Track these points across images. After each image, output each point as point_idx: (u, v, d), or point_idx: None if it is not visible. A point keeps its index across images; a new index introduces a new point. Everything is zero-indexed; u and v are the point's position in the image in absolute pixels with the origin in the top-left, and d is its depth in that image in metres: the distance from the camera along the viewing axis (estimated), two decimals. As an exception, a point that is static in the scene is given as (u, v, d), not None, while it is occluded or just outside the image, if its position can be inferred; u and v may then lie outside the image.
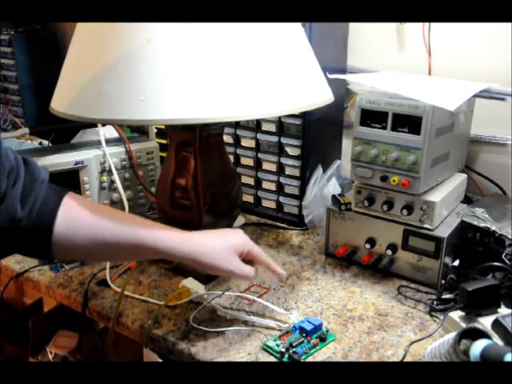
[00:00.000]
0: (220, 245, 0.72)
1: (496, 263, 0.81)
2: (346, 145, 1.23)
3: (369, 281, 0.92)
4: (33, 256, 0.78)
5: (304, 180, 1.10)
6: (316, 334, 0.76)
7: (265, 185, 1.17)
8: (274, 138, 1.11)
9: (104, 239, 0.66)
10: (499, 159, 1.09)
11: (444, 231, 0.88)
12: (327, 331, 0.77)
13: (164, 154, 1.08)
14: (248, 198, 1.19)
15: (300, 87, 0.79)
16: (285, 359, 0.71)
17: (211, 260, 0.70)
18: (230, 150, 1.16)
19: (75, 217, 0.66)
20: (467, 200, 1.05)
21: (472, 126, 1.06)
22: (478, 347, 0.58)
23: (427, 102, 0.82)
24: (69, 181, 1.02)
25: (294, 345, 0.73)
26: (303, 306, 0.84)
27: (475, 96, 0.93)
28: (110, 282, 0.89)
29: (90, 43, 0.75)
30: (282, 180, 1.14)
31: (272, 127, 1.11)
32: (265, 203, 1.18)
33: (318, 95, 0.83)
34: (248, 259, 0.74)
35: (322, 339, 0.75)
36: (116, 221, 0.68)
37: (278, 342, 0.74)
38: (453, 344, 0.61)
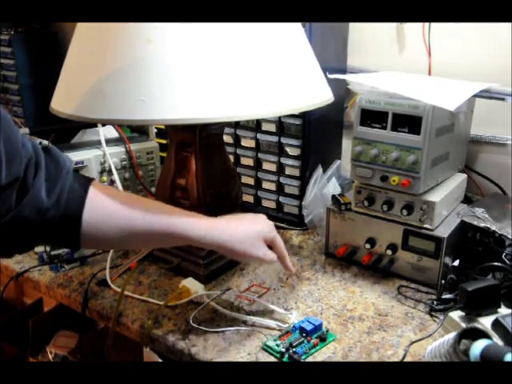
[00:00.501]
0: (248, 232, 0.73)
1: (496, 263, 0.81)
2: (346, 145, 1.23)
3: (369, 281, 0.92)
4: (62, 246, 0.77)
5: (304, 180, 1.10)
6: (316, 334, 0.76)
7: (265, 185, 1.17)
8: (274, 138, 1.11)
9: (133, 228, 0.66)
10: (499, 159, 1.09)
11: (444, 231, 0.88)
12: (327, 331, 0.77)
13: (164, 154, 1.08)
14: (248, 198, 1.19)
15: (300, 87, 0.79)
16: (285, 359, 0.71)
17: (240, 247, 0.71)
18: (230, 150, 1.16)
19: (103, 206, 0.65)
20: (467, 200, 1.05)
21: (472, 126, 1.06)
22: (478, 347, 0.58)
23: (427, 101, 0.82)
24: (69, 181, 1.02)
25: (293, 345, 0.73)
26: (303, 306, 0.84)
27: (475, 96, 0.93)
28: (109, 282, 0.89)
29: (89, 43, 0.75)
30: (282, 180, 1.14)
31: (272, 127, 1.11)
32: (265, 203, 1.18)
33: (318, 95, 0.83)
34: (268, 245, 0.76)
35: (322, 339, 0.75)
36: (144, 209, 0.67)
37: (278, 342, 0.74)
38: (453, 344, 0.61)
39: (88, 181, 0.67)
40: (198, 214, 0.72)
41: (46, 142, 1.34)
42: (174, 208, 0.72)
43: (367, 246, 0.93)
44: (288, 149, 1.11)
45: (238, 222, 0.74)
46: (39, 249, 0.99)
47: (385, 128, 0.87)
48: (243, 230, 0.73)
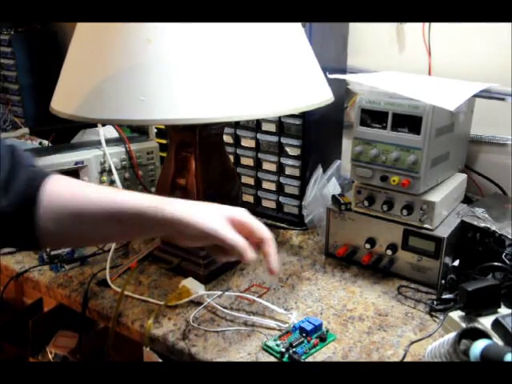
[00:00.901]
0: (215, 209, 0.65)
1: (496, 263, 0.81)
2: (346, 145, 1.23)
3: (369, 281, 0.92)
4: (22, 247, 0.71)
5: (304, 180, 1.10)
6: (316, 334, 0.76)
7: (265, 185, 1.17)
8: (274, 138, 1.11)
9: (90, 212, 0.62)
10: (499, 159, 1.09)
11: (444, 231, 0.88)
12: (327, 331, 0.77)
13: (164, 154, 1.08)
14: (248, 198, 1.19)
15: (300, 87, 0.79)
16: (285, 359, 0.71)
17: (208, 223, 0.62)
18: (230, 150, 1.16)
19: (60, 195, 0.61)
20: (467, 200, 1.05)
21: (472, 126, 1.06)
22: (478, 347, 0.58)
23: (427, 101, 0.82)
24: (69, 181, 1.02)
25: (294, 345, 0.73)
26: (303, 306, 0.84)
27: (475, 96, 0.93)
28: (109, 282, 0.89)
29: (90, 43, 0.75)
30: (282, 180, 1.14)
31: (272, 127, 1.11)
32: (265, 203, 1.18)
33: (318, 95, 0.83)
34: (253, 241, 0.66)
35: (322, 339, 0.75)
36: (106, 193, 0.63)
37: (278, 342, 0.74)
38: (453, 344, 0.61)
39: (47, 174, 0.63)
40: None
41: (45, 142, 1.35)
42: (136, 192, 0.67)
43: (367, 245, 0.93)
44: (288, 149, 1.11)
45: (203, 203, 0.67)
46: (39, 249, 1.00)
47: (385, 128, 0.87)
48: (211, 208, 0.65)
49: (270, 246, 0.66)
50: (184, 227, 0.62)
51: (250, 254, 0.64)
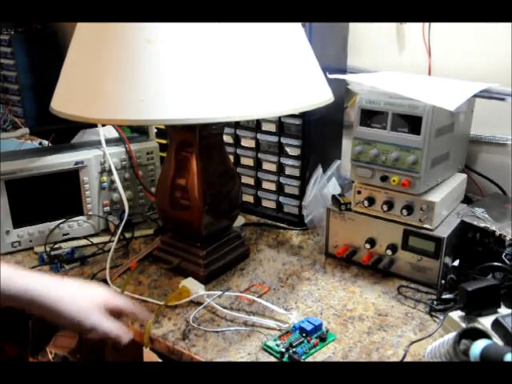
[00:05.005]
0: (85, 296, 0.64)
1: (496, 263, 0.81)
2: (346, 145, 1.23)
3: (369, 281, 0.92)
4: None
5: (304, 180, 1.10)
6: (316, 333, 0.76)
7: (265, 185, 1.17)
8: (274, 138, 1.11)
9: None
10: (499, 159, 1.09)
11: (444, 231, 0.88)
12: (327, 331, 0.77)
13: (164, 154, 1.08)
14: (248, 198, 1.19)
15: (300, 87, 0.79)
16: (285, 359, 0.71)
17: (71, 311, 0.61)
18: (230, 150, 1.16)
19: None
20: (467, 200, 1.05)
21: (472, 126, 1.06)
22: (477, 347, 0.58)
23: (427, 102, 0.82)
24: (69, 181, 1.03)
25: (294, 345, 0.73)
26: (303, 306, 0.84)
27: (475, 96, 0.93)
28: (109, 282, 0.89)
29: (89, 43, 0.75)
30: (282, 180, 1.14)
31: (272, 127, 1.11)
32: (265, 203, 1.18)
33: (318, 95, 0.83)
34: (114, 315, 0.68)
35: (322, 339, 0.75)
36: None
37: (278, 342, 0.74)
38: (453, 344, 0.61)
39: None
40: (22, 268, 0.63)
41: (45, 142, 1.35)
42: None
43: (367, 246, 0.93)
44: (288, 149, 1.11)
45: (73, 284, 0.65)
46: (39, 249, 1.00)
47: (385, 128, 0.87)
48: (79, 293, 0.63)
49: (136, 312, 0.72)
50: (46, 311, 0.61)
51: (125, 338, 0.68)
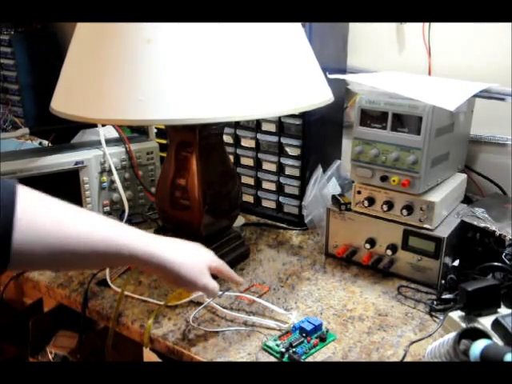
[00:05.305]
0: (197, 258, 0.70)
1: (496, 263, 0.81)
2: (346, 145, 1.23)
3: (369, 281, 0.92)
4: None
5: (304, 180, 1.10)
6: (316, 333, 0.76)
7: (265, 185, 1.17)
8: (274, 138, 1.11)
9: (72, 248, 0.56)
10: (499, 159, 1.09)
11: (444, 231, 0.88)
12: (327, 331, 0.77)
13: (164, 154, 1.08)
14: (248, 198, 1.19)
15: (300, 87, 0.79)
16: (285, 359, 0.71)
17: (189, 273, 0.67)
18: (230, 150, 1.16)
19: (42, 223, 0.54)
20: (467, 200, 1.05)
21: (472, 126, 1.06)
22: (477, 347, 0.58)
23: (427, 102, 0.82)
24: (69, 181, 1.02)
25: (293, 345, 0.73)
26: (303, 306, 0.84)
27: (475, 96, 0.93)
28: (109, 282, 0.89)
29: (90, 43, 0.75)
30: (282, 180, 1.14)
31: (272, 127, 1.11)
32: (265, 203, 1.18)
33: (318, 95, 0.83)
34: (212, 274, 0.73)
35: (322, 339, 0.75)
36: (86, 226, 0.58)
37: (278, 342, 0.74)
38: (453, 344, 0.61)
39: (14, 187, 0.54)
40: (143, 232, 0.64)
41: (45, 142, 1.35)
42: (119, 224, 0.64)
43: (367, 246, 0.93)
44: (288, 149, 1.11)
45: (185, 247, 0.70)
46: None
47: (385, 128, 0.87)
48: (193, 256, 0.69)
49: (232, 275, 0.78)
50: (169, 274, 0.66)
51: (215, 295, 0.75)
